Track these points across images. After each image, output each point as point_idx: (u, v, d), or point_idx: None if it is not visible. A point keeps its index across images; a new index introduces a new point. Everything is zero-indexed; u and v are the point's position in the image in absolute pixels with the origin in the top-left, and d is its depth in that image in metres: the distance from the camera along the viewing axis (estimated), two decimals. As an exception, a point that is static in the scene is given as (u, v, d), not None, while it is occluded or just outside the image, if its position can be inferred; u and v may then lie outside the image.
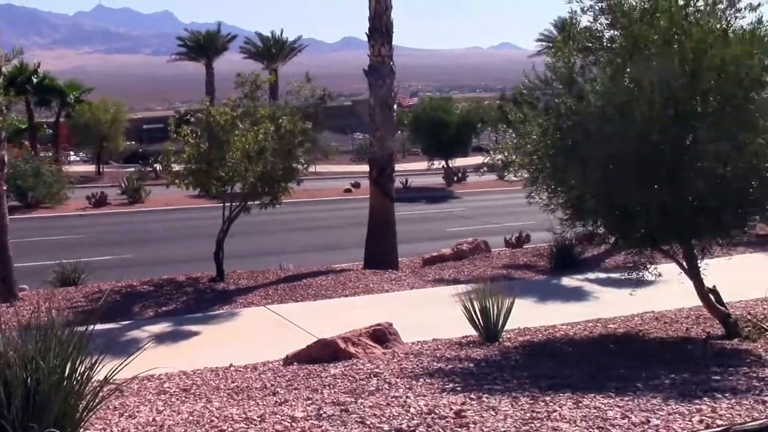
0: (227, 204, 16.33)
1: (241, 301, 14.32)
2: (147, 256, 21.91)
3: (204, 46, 71.87)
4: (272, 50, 73.41)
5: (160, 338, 11.79)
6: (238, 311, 13.63)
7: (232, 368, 9.59)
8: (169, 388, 8.61)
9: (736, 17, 9.36)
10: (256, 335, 11.99)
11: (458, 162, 45.11)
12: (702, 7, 9.40)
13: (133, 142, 69.74)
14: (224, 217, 16.36)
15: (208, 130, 15.64)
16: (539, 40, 61.52)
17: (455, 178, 43.10)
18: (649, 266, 10.28)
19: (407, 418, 6.45)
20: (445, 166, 43.56)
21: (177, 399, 8.11)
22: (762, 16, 9.31)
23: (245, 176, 15.31)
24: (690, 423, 6.21)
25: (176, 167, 16.01)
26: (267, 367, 9.52)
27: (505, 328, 10.48)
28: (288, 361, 9.66)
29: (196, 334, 12.15)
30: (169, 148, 16.13)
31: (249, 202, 16.28)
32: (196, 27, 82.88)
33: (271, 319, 12.96)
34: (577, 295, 14.41)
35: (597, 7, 9.77)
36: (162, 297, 14.76)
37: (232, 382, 8.78)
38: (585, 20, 10.12)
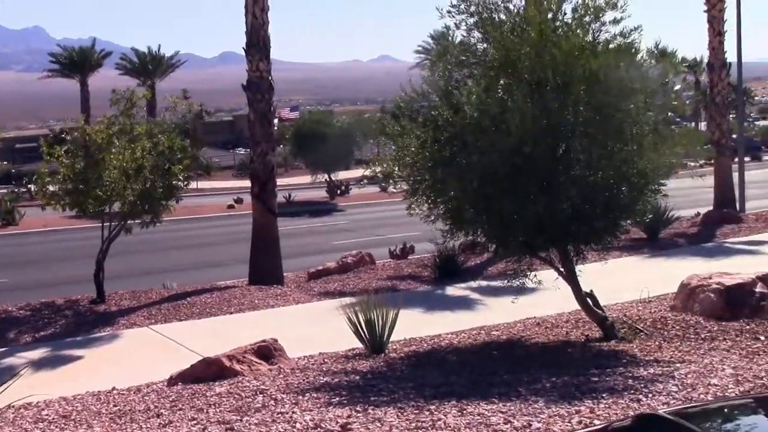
0: (106, 224, 15.97)
1: (123, 322, 14.01)
2: (23, 280, 21.18)
3: (78, 62, 70.01)
4: (149, 66, 72.17)
5: (38, 364, 11.44)
6: (121, 333, 13.34)
7: (114, 391, 9.39)
8: (47, 415, 8.36)
9: (601, 30, 9.73)
10: (140, 356, 11.76)
11: (341, 175, 45.21)
12: (569, 21, 9.73)
13: (5, 162, 67.38)
14: (103, 237, 16.00)
15: (84, 149, 15.28)
16: (418, 52, 62.39)
17: (338, 192, 43.17)
18: (529, 273, 10.54)
19: (293, 433, 6.45)
20: (328, 179, 43.62)
21: (56, 426, 7.89)
22: (624, 29, 9.70)
23: (124, 195, 15.03)
24: (569, 424, 6.40)
25: (52, 188, 15.56)
26: (151, 389, 9.35)
27: (391, 339, 10.57)
28: (172, 381, 9.51)
29: (76, 358, 11.84)
30: (42, 170, 15.67)
31: (129, 221, 15.97)
32: (69, 43, 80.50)
33: (154, 340, 12.73)
34: (461, 303, 14.62)
35: (469, 22, 9.99)
36: (40, 321, 14.32)
37: (115, 405, 8.59)
38: (459, 34, 10.35)
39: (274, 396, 8.04)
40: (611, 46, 9.69)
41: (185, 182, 16.60)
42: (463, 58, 10.18)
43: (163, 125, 16.40)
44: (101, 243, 16.03)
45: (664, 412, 3.97)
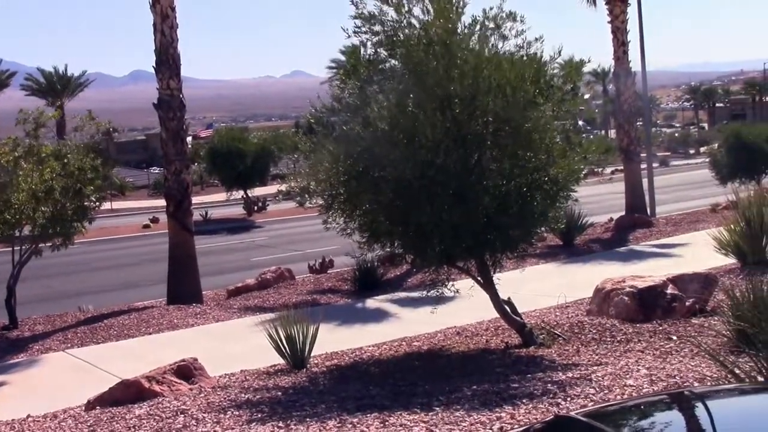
0: (17, 248, 15.60)
1: (37, 347, 13.68)
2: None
3: (-20, 83, 68.36)
4: (57, 86, 70.68)
5: (-51, 394, 11.09)
6: (36, 358, 13.02)
7: (29, 419, 9.16)
8: (-41, 447, 8.12)
9: (503, 41, 9.91)
10: (56, 382, 11.49)
11: (258, 191, 44.95)
12: (470, 33, 9.88)
13: None
14: (14, 261, 15.62)
15: (-11, 172, 14.91)
16: (330, 67, 62.46)
17: (255, 208, 42.87)
18: (447, 283, 10.65)
19: (216, 452, 6.39)
20: (245, 196, 43.31)
21: (-31, 458, 7.67)
22: (526, 39, 9.89)
23: (34, 218, 14.70)
24: (491, 431, 6.48)
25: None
26: (68, 414, 9.15)
27: (313, 353, 10.56)
28: (90, 405, 9.32)
29: (-11, 387, 11.50)
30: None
31: (40, 245, 15.62)
32: (-29, 63, 78.47)
33: (71, 364, 12.46)
34: (381, 315, 14.67)
35: (375, 40, 10.09)
36: (-51, 350, 13.88)
37: (30, 434, 8.38)
38: (368, 51, 10.43)
39: (195, 415, 7.96)
40: (513, 57, 9.87)
41: (97, 203, 16.33)
42: (373, 75, 10.27)
43: (72, 146, 16.09)
44: (12, 267, 15.65)
45: (578, 413, 4.05)
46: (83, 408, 9.36)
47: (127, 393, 9.27)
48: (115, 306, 17.06)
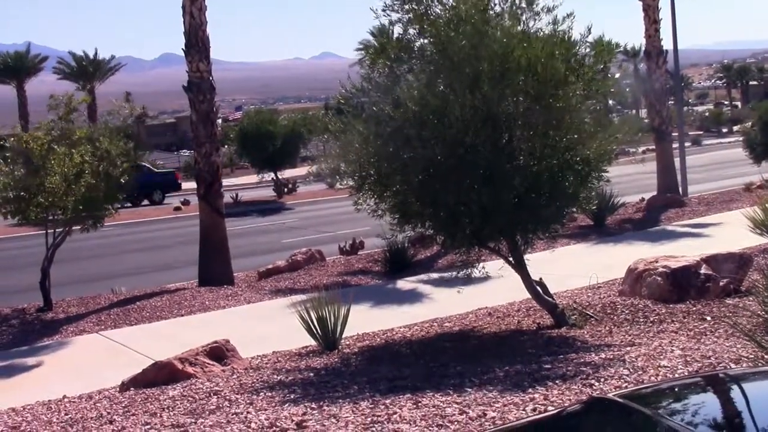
0: (50, 231, 15.74)
1: (72, 329, 13.82)
2: (-33, 291, 20.79)
3: (13, 67, 68.67)
4: (88, 70, 71.06)
5: (-14, 376, 11.24)
6: (70, 340, 13.16)
7: (65, 400, 9.26)
8: (-4, 428, 8.23)
9: (534, 19, 9.82)
10: (90, 363, 11.61)
11: (288, 173, 45.04)
12: (500, 11, 9.80)
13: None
14: (48, 244, 15.77)
15: (24, 156, 15.04)
16: (359, 48, 62.34)
17: (285, 190, 42.95)
18: (478, 264, 10.61)
19: (249, 433, 6.42)
20: (275, 178, 43.41)
21: (6, 438, 7.77)
22: (557, 16, 9.80)
23: (66, 201, 14.82)
24: (524, 412, 6.46)
25: (-8, 197, 15.27)
26: (103, 396, 9.24)
27: (344, 334, 10.58)
28: (124, 387, 9.41)
29: (25, 368, 11.64)
30: (-20, 178, 15.35)
31: (72, 227, 15.75)
32: (4, 48, 79.03)
33: (105, 346, 12.58)
34: (412, 297, 14.66)
35: (405, 18, 10.03)
36: (-15, 332, 14.06)
37: (66, 414, 8.48)
38: (396, 31, 10.39)
39: (228, 397, 8.00)
40: (545, 35, 9.78)
41: (128, 186, 16.45)
42: (402, 54, 10.23)
43: (104, 129, 16.19)
44: (46, 250, 15.80)
45: (614, 395, 4.03)
46: (117, 389, 9.45)
47: (161, 374, 9.35)
48: (148, 288, 17.18)
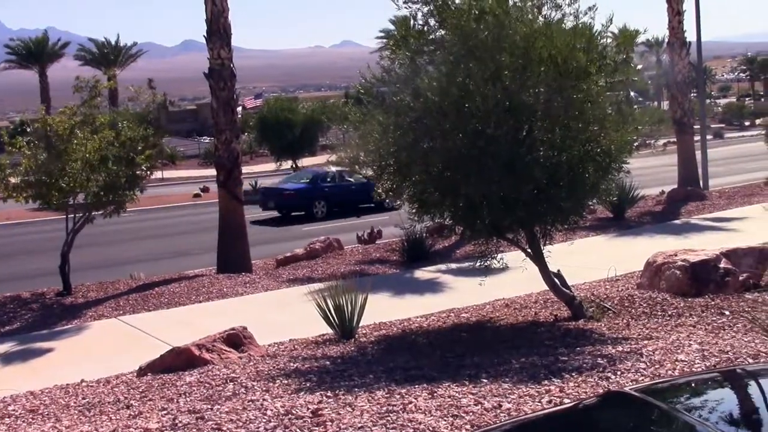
0: (70, 215, 15.83)
1: (90, 314, 13.91)
2: (-13, 274, 20.94)
3: (35, 53, 69.09)
4: (110, 56, 71.41)
5: (5, 359, 11.34)
6: (88, 324, 13.24)
7: (83, 384, 9.33)
8: (14, 410, 8.29)
9: (556, 11, 9.77)
10: (108, 348, 11.69)
11: (306, 161, 45.09)
12: (521, 4, 9.75)
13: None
14: (68, 228, 15.86)
15: (46, 140, 15.12)
16: (379, 37, 62.26)
17: (305, 178, 43.03)
18: (496, 255, 10.59)
19: (264, 420, 6.45)
20: (294, 166, 43.45)
21: (23, 421, 7.83)
22: (579, 8, 9.74)
23: (87, 186, 14.89)
24: (540, 404, 6.45)
25: (13, 180, 15.37)
26: (120, 380, 9.30)
27: (361, 323, 10.59)
28: (142, 372, 9.46)
29: (43, 351, 11.73)
30: (3, 161, 15.45)
31: (93, 212, 15.83)
32: (26, 33, 79.40)
33: (123, 331, 12.66)
34: (430, 286, 14.66)
35: (425, 10, 10.00)
36: (5, 315, 14.16)
37: (83, 398, 8.54)
38: (417, 23, 10.36)
39: (244, 384, 8.03)
40: (566, 26, 9.73)
41: (149, 172, 16.51)
42: (423, 45, 10.20)
43: (126, 115, 16.25)
44: (66, 235, 15.89)
45: (631, 389, 4.01)
46: (135, 374, 9.51)
47: (178, 360, 9.39)
48: (166, 274, 17.26)
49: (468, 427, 6.05)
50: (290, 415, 6.52)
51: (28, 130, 15.96)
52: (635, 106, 11.87)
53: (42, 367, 10.86)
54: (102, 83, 16.68)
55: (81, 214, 15.85)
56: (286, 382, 7.97)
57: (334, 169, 28.81)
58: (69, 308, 14.49)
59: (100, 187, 15.05)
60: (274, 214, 29.67)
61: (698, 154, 27.64)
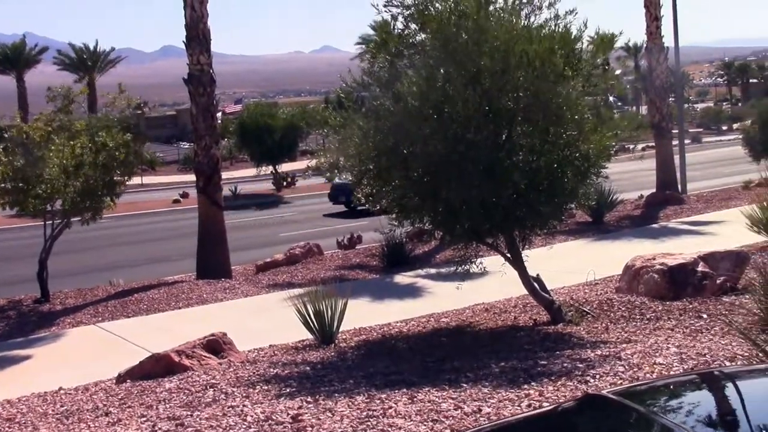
0: (48, 222, 15.74)
1: (69, 321, 13.82)
2: (-36, 282, 20.76)
3: (12, 58, 68.53)
4: (88, 62, 70.99)
5: (-20, 368, 11.24)
6: (66, 332, 13.16)
7: (61, 392, 9.27)
8: (-8, 419, 8.22)
9: (535, 14, 9.81)
10: (87, 355, 11.61)
11: (286, 167, 45.01)
12: (502, 6, 9.79)
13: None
14: (46, 235, 15.76)
15: (23, 147, 15.03)
16: (359, 43, 62.27)
17: (284, 183, 42.92)
18: (476, 259, 10.60)
19: (244, 426, 6.44)
20: (274, 171, 43.39)
21: (0, 430, 7.77)
22: (558, 12, 9.79)
23: (65, 192, 14.81)
24: (519, 408, 6.47)
25: (-11, 187, 15.25)
26: (99, 387, 9.25)
27: (341, 329, 10.58)
28: (121, 379, 9.42)
29: (20, 359, 11.65)
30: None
31: (71, 219, 15.75)
32: (4, 39, 78.87)
33: (101, 338, 12.58)
34: (409, 291, 14.66)
35: (406, 14, 10.03)
36: (-18, 323, 14.05)
37: (62, 406, 8.48)
38: (398, 25, 10.38)
39: (224, 390, 8.00)
40: (545, 30, 9.77)
41: (126, 178, 16.44)
42: (403, 49, 10.22)
43: (104, 121, 16.18)
44: (44, 241, 15.79)
45: (609, 392, 4.03)
46: (114, 381, 9.46)
47: (157, 367, 9.35)
48: (146, 280, 17.19)
49: (448, 431, 6.06)
50: (270, 421, 6.51)
51: (6, 136, 15.84)
52: (614, 111, 11.93)
53: (19, 375, 10.78)
54: (74, 91, 16.62)
55: (59, 221, 15.76)
56: (266, 387, 7.95)
57: None
58: (47, 315, 14.39)
59: (77, 193, 14.97)
60: (252, 219, 29.60)
61: (676, 159, 27.84)
